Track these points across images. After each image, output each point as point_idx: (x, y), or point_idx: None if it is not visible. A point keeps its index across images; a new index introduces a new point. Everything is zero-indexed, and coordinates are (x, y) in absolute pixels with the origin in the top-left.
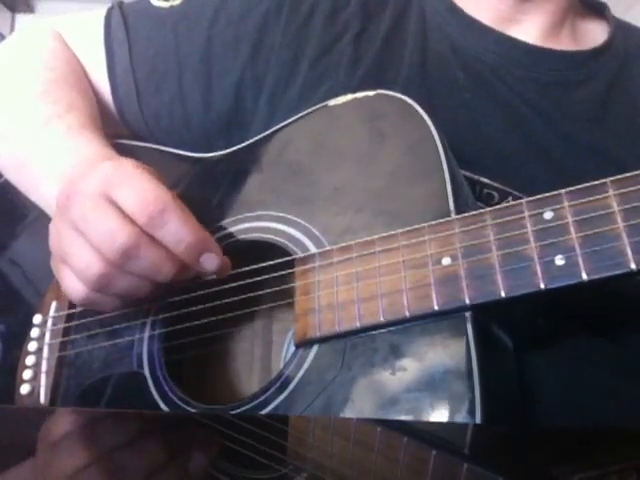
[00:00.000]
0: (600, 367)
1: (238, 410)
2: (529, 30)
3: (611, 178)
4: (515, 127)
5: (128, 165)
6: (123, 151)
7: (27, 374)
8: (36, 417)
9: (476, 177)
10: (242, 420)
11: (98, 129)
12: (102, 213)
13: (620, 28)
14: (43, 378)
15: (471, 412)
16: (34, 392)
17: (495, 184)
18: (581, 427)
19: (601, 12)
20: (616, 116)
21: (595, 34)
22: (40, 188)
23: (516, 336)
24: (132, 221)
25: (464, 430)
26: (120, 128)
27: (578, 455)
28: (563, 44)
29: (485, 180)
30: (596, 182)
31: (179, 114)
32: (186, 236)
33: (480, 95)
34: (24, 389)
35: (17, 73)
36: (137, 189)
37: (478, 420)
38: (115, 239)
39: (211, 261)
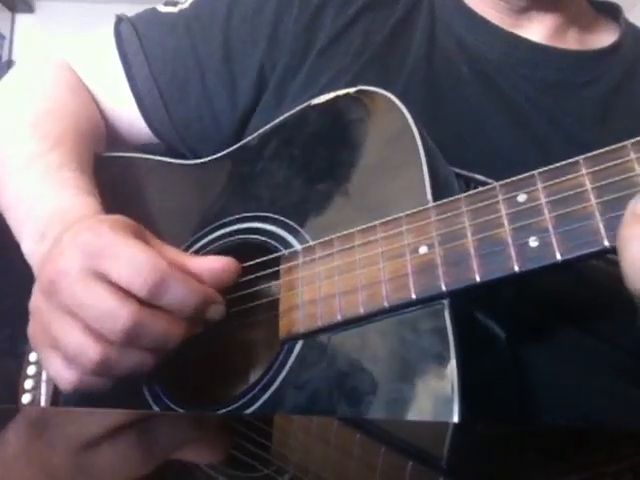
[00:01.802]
0: (594, 366)
1: (224, 410)
2: (534, 30)
3: (583, 156)
4: (516, 125)
5: (105, 230)
6: (106, 165)
7: (28, 384)
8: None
9: (470, 174)
10: (224, 419)
11: (81, 164)
12: (95, 293)
13: (632, 32)
14: (44, 387)
15: (450, 399)
16: (35, 401)
17: (489, 181)
18: (575, 426)
19: (614, 15)
20: (619, 119)
21: (604, 36)
22: (21, 238)
23: (509, 327)
24: (130, 296)
25: (445, 430)
26: (138, 143)
27: (571, 455)
28: (569, 45)
29: (479, 177)
30: (569, 160)
31: (208, 117)
32: (191, 299)
33: (483, 91)
34: (25, 398)
35: (12, 104)
36: (128, 260)
37: (457, 405)
38: (117, 320)
39: (217, 311)
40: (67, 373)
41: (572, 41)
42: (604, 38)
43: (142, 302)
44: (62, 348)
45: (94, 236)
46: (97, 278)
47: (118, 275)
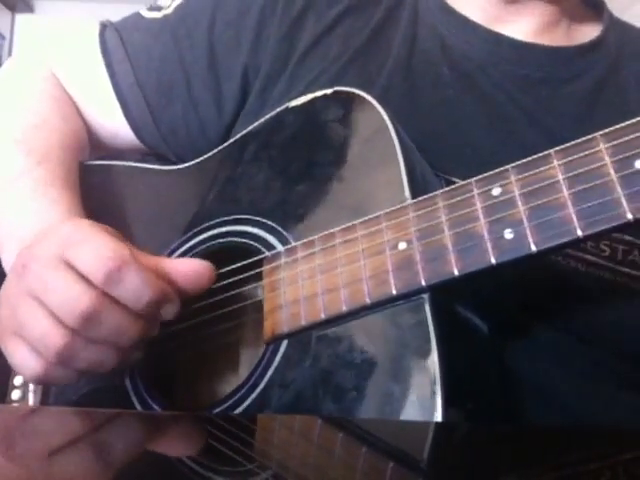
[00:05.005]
0: (576, 366)
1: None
2: (520, 29)
3: (556, 148)
4: (497, 125)
5: (84, 224)
6: (88, 173)
7: (15, 394)
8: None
9: (448, 177)
10: (207, 417)
11: (69, 181)
12: (60, 277)
13: (616, 27)
14: (31, 397)
15: (433, 392)
16: None
17: None
18: (555, 425)
19: (599, 10)
20: (603, 115)
21: (589, 32)
22: (3, 251)
23: (491, 322)
24: (92, 285)
25: (427, 430)
26: (122, 151)
27: (551, 454)
28: (556, 41)
29: (458, 181)
30: (541, 154)
31: (195, 124)
32: (146, 292)
33: (464, 92)
34: None
35: None
36: (93, 247)
37: (440, 398)
38: (76, 305)
39: (171, 310)
40: (31, 360)
41: (560, 36)
42: (589, 32)
43: (104, 294)
44: (26, 333)
45: (71, 227)
46: (66, 266)
47: (80, 260)
